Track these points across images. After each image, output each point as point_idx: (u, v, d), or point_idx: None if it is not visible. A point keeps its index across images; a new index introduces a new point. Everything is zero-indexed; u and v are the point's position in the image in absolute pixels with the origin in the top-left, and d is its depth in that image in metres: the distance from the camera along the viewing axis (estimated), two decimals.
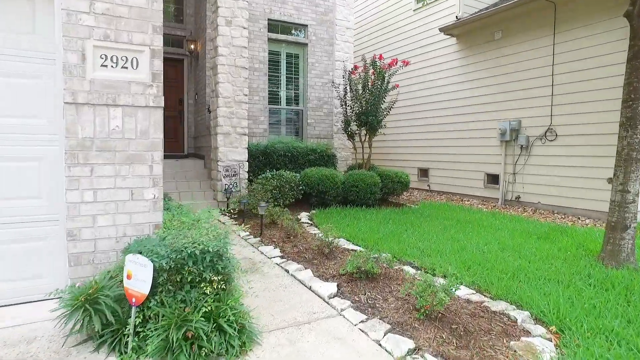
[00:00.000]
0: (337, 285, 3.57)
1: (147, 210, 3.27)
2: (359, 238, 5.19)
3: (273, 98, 9.37)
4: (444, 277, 3.54)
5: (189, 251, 2.56)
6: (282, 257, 4.42)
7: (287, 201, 7.23)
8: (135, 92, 3.12)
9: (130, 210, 3.24)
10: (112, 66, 3.10)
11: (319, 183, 7.34)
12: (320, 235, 5.03)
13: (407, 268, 4.05)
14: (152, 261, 2.53)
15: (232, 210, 6.93)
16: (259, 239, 5.17)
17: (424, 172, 10.65)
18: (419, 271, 3.95)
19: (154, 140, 3.26)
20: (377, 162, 11.22)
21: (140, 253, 2.62)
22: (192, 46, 9.41)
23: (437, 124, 10.05)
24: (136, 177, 3.24)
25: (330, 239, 4.42)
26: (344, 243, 4.94)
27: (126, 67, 3.11)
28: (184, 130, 10.08)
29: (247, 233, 5.51)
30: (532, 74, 7.93)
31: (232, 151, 7.18)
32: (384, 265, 3.91)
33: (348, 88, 8.88)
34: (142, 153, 3.24)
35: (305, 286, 3.64)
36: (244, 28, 7.09)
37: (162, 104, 3.27)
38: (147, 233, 3.28)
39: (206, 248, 2.60)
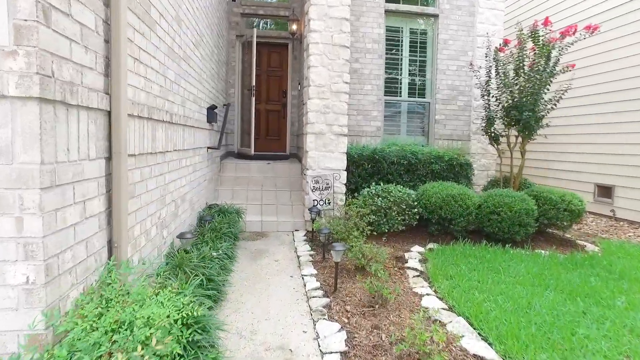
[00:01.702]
0: None
1: (13, 306, 1.81)
2: (493, 325, 3.15)
3: (390, 87, 7.85)
4: None
5: None
6: (345, 354, 2.74)
7: (396, 228, 5.69)
8: None
9: None
10: None
11: (442, 206, 5.62)
12: (427, 304, 3.40)
13: None
14: None
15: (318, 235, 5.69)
16: (328, 300, 3.76)
17: (605, 191, 7.87)
18: None
19: (24, 168, 1.75)
20: (528, 175, 8.83)
21: None
22: (294, 26, 8.44)
23: (635, 122, 7.25)
24: None
25: (441, 333, 2.72)
26: (466, 340, 2.95)
27: None
28: (287, 127, 9.25)
29: (318, 284, 4.14)
30: None
31: (325, 156, 5.94)
32: None
33: (493, 72, 6.87)
34: None
35: None
36: None
37: (53, 93, 1.80)
38: (12, 350, 1.83)
39: None
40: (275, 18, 9.21)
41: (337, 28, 5.80)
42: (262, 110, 9.16)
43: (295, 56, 9.03)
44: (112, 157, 2.39)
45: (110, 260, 2.38)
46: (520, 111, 6.27)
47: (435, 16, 7.81)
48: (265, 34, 9.00)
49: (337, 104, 5.90)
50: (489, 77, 6.83)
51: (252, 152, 7.82)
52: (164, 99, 3.60)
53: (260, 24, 9.44)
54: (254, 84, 7.74)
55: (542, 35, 6.20)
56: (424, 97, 8.01)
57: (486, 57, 6.90)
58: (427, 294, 3.94)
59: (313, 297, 3.81)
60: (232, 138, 8.91)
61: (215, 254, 3.97)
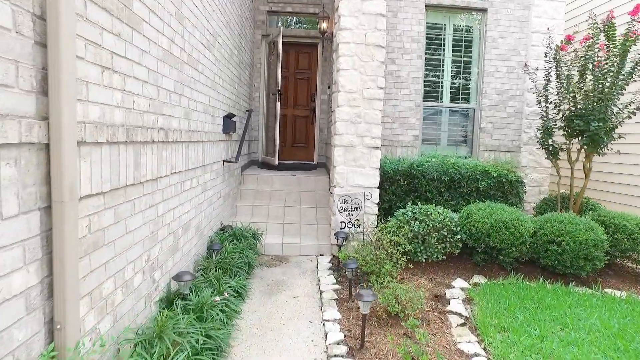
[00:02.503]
0: None
1: None
2: None
3: (430, 92, 6.99)
4: None
5: None
6: None
7: (435, 256, 4.88)
8: None
9: None
10: None
11: (490, 233, 4.76)
12: None
13: None
14: None
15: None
16: None
17: None
18: None
19: None
20: (591, 194, 7.73)
21: None
22: (325, 25, 7.69)
23: None
24: None
25: None
26: None
27: None
28: (315, 134, 8.53)
29: (342, 335, 3.38)
30: None
31: (355, 172, 5.18)
32: None
33: (553, 74, 5.91)
34: None
35: None
36: None
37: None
38: None
39: None
40: (304, 15, 8.49)
41: (372, 25, 5.02)
42: (288, 116, 8.48)
43: (325, 57, 8.29)
44: (52, 206, 1.73)
45: (47, 349, 1.72)
46: (587, 121, 5.30)
47: (484, 10, 6.89)
48: (293, 33, 8.30)
49: (369, 113, 5.13)
50: (548, 80, 5.86)
51: (276, 162, 7.14)
52: (157, 114, 2.94)
53: (289, 22, 8.74)
54: (279, 87, 7.05)
55: (626, 31, 5.17)
56: (468, 103, 7.10)
57: (545, 56, 5.94)
58: (476, 355, 3.14)
59: (335, 356, 3.07)
60: (255, 145, 8.27)
61: (219, 298, 3.30)
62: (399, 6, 6.63)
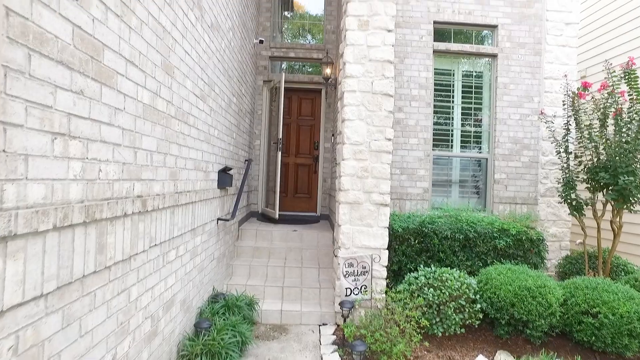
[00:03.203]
0: None
1: None
2: None
3: (440, 141, 6.58)
4: None
5: None
6: None
7: (452, 329, 4.30)
8: None
9: None
10: None
11: (514, 303, 4.19)
12: None
13: None
14: None
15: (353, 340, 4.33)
16: None
17: None
18: None
19: None
20: (619, 248, 7.15)
21: None
22: (328, 70, 7.41)
23: None
24: None
25: None
26: None
27: None
28: (318, 184, 8.08)
29: None
30: None
31: (361, 232, 4.68)
32: None
33: (572, 123, 5.51)
34: None
35: None
36: (388, 31, 4.64)
37: None
38: None
39: None
40: (308, 61, 8.25)
41: (379, 73, 4.66)
42: (290, 164, 8.07)
43: (329, 103, 7.97)
44: None
45: None
46: (614, 174, 4.84)
47: (494, 56, 6.59)
48: (295, 78, 8.02)
49: (377, 166, 4.68)
50: (567, 129, 5.45)
51: (277, 215, 6.66)
52: (133, 181, 2.49)
53: (292, 66, 8.50)
54: (280, 136, 6.67)
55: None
56: (480, 152, 6.68)
57: (563, 104, 5.56)
58: None
59: None
60: (255, 196, 7.81)
61: None
62: (406, 52, 6.34)
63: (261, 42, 7.44)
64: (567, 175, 5.37)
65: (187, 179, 3.63)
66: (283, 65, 8.39)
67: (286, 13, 8.81)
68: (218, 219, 4.83)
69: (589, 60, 8.39)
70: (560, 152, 5.51)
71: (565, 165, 5.47)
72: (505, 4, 6.60)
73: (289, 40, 8.72)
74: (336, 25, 7.92)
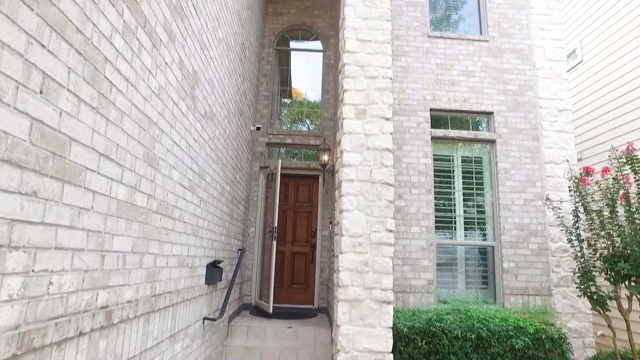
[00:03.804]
0: None
1: None
2: None
3: (443, 228, 6.26)
4: None
5: None
6: None
7: None
8: None
9: None
10: None
11: None
12: None
13: None
14: None
15: None
16: None
17: None
18: None
19: None
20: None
21: None
22: (326, 157, 7.31)
23: None
24: None
25: None
26: None
27: None
28: (315, 274, 7.61)
29: None
30: None
31: (362, 333, 4.18)
32: None
33: (581, 209, 5.24)
34: None
35: None
36: (386, 120, 4.54)
37: None
38: None
39: None
40: (305, 147, 8.21)
41: (378, 161, 4.47)
42: (286, 253, 7.67)
43: (326, 190, 7.78)
44: None
45: None
46: (636, 264, 4.46)
47: (492, 141, 6.51)
48: (292, 164, 7.91)
49: (378, 260, 4.32)
50: (577, 216, 5.17)
51: (270, 309, 6.14)
52: (97, 289, 2.13)
53: (288, 153, 8.44)
54: (275, 225, 6.37)
55: None
56: (485, 239, 6.33)
57: (570, 190, 5.33)
58: None
59: None
60: (248, 287, 7.30)
61: None
62: (404, 139, 6.26)
63: (258, 129, 7.42)
64: (583, 265, 4.98)
65: (168, 278, 3.26)
66: (280, 151, 8.34)
67: (285, 100, 8.95)
68: (204, 319, 4.36)
69: (584, 143, 8.40)
70: (572, 239, 5.18)
71: (579, 254, 5.11)
72: (498, 92, 6.66)
73: (287, 126, 8.77)
74: (333, 113, 7.99)
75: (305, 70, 8.83)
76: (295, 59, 8.98)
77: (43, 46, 1.71)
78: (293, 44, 8.87)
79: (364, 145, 4.54)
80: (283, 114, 8.91)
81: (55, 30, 1.78)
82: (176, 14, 3.29)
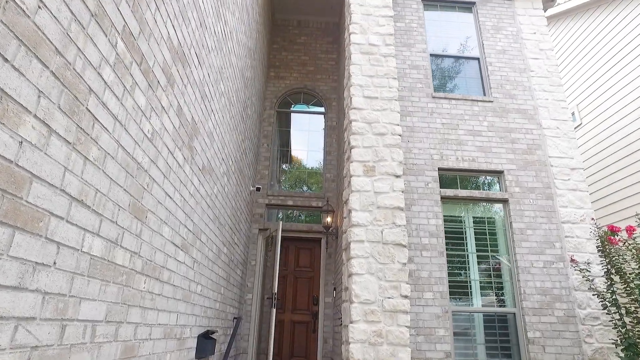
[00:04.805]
0: None
1: None
2: None
3: (458, 294, 5.69)
4: None
5: None
6: None
7: None
8: None
9: None
10: None
11: None
12: None
13: None
14: None
15: None
16: None
17: None
18: None
19: None
20: None
21: None
22: (329, 219, 6.88)
23: None
24: None
25: None
26: None
27: None
28: (318, 345, 6.87)
29: None
30: None
31: None
32: None
33: (612, 271, 4.74)
34: None
35: None
36: (397, 177, 4.19)
37: None
38: None
39: None
40: (306, 209, 7.80)
41: (389, 221, 4.06)
42: (286, 322, 6.97)
43: (329, 254, 7.26)
44: None
45: None
46: None
47: (504, 201, 6.12)
48: (293, 227, 7.46)
49: (393, 330, 3.75)
50: (611, 279, 4.66)
51: None
52: None
53: (289, 215, 8.01)
54: (275, 291, 5.79)
55: None
56: (505, 306, 5.74)
57: (599, 250, 4.87)
58: None
59: None
60: (244, 359, 6.55)
61: None
62: (413, 199, 5.88)
63: (258, 189, 7.06)
64: (627, 336, 4.39)
65: (150, 353, 2.71)
66: (279, 216, 7.92)
67: (284, 166, 8.69)
68: None
69: (593, 204, 8.07)
70: (607, 306, 4.62)
71: (619, 322, 4.53)
72: (507, 151, 6.40)
73: (287, 189, 8.42)
74: (336, 174, 7.68)
75: (307, 132, 8.67)
76: (296, 121, 8.85)
77: (6, 59, 1.37)
78: (295, 107, 8.78)
79: (374, 203, 4.15)
80: (283, 178, 8.60)
81: (25, 44, 1.45)
82: (177, 59, 3.04)
